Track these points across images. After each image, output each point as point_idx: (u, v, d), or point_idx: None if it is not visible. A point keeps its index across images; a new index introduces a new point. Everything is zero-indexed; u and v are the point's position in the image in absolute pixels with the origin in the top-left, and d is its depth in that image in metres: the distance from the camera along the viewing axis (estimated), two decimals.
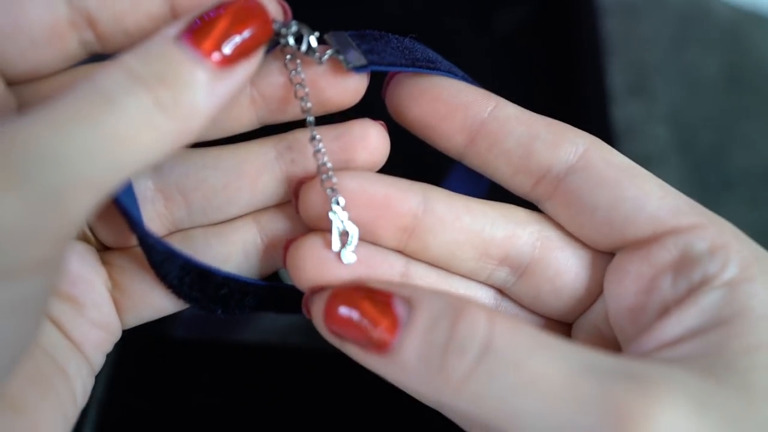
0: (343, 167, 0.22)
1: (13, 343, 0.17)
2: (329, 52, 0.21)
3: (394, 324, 0.18)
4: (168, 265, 0.21)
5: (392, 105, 0.23)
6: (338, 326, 0.19)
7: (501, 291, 0.23)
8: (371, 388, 0.33)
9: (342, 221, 0.21)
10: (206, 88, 0.18)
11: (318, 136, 0.21)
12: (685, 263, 0.19)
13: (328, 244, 0.21)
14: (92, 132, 0.16)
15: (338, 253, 0.21)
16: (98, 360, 0.22)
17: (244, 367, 0.33)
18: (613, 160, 0.21)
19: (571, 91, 0.45)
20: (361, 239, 0.21)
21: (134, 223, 0.20)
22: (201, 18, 0.18)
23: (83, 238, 0.23)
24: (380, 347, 0.18)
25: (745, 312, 0.18)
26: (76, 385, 0.21)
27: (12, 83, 0.20)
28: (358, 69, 0.21)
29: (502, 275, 0.22)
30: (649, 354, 0.19)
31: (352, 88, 0.22)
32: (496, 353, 0.17)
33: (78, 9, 0.19)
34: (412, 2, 0.47)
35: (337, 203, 0.21)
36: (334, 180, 0.21)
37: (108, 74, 0.17)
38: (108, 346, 0.22)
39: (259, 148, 0.23)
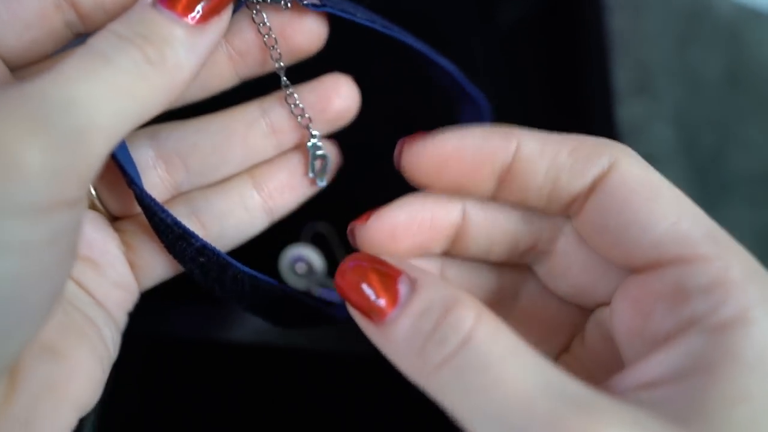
0: (321, 115, 0.26)
1: (52, 275, 0.18)
2: None
3: (394, 300, 0.20)
4: (161, 224, 0.23)
5: (416, 177, 0.23)
6: (347, 286, 0.21)
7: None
8: (370, 389, 0.33)
9: (319, 148, 0.25)
10: (186, 44, 0.20)
11: (288, 83, 0.25)
12: (678, 298, 0.18)
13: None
14: (95, 83, 0.18)
15: (313, 179, 0.25)
16: (121, 318, 0.24)
17: (244, 367, 0.33)
18: (634, 178, 0.20)
19: (574, 89, 0.45)
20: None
21: (133, 183, 0.22)
22: None
23: (93, 207, 0.25)
24: (376, 317, 0.20)
25: (733, 359, 0.17)
26: (107, 336, 0.23)
27: (14, 68, 0.22)
28: (314, 7, 0.23)
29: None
30: (626, 393, 0.18)
31: (315, 29, 0.25)
32: (471, 351, 0.18)
33: None
34: None
35: (313, 136, 0.25)
36: (307, 115, 0.25)
37: (100, 37, 0.19)
38: (128, 305, 0.24)
39: (244, 109, 0.26)
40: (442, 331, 0.18)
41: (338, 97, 0.26)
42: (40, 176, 0.17)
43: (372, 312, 0.20)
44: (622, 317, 0.20)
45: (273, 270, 0.31)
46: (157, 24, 0.20)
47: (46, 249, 0.17)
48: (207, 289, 0.25)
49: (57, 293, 0.19)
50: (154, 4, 0.20)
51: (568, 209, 0.22)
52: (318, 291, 0.35)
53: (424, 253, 0.24)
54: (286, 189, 0.26)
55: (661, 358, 0.18)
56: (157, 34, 0.20)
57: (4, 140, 0.16)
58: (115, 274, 0.24)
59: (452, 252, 0.24)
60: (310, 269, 0.34)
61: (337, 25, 0.25)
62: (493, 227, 0.23)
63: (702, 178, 0.40)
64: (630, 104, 0.41)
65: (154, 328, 0.27)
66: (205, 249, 0.23)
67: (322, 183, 0.24)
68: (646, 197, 0.20)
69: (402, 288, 0.20)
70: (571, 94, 0.44)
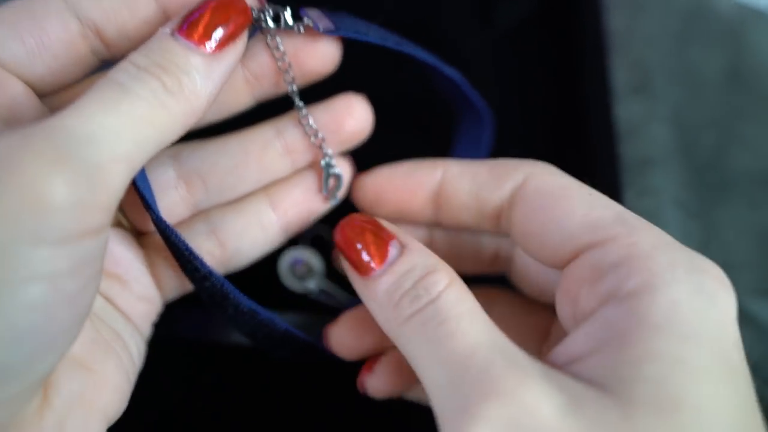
0: (334, 136, 0.27)
1: (79, 300, 0.19)
2: (306, 20, 0.24)
3: (382, 259, 0.22)
4: (174, 247, 0.24)
5: (363, 206, 0.27)
6: (343, 240, 0.23)
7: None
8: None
9: (332, 166, 0.25)
10: (203, 72, 0.21)
11: (302, 104, 0.26)
12: (594, 278, 0.20)
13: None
14: (115, 115, 0.19)
15: (327, 196, 0.26)
16: (146, 329, 0.26)
17: (246, 370, 0.33)
18: (546, 184, 0.23)
19: (573, 88, 0.45)
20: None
21: (150, 208, 0.23)
22: (190, 14, 0.22)
23: (119, 224, 0.26)
24: (364, 272, 0.23)
25: (640, 324, 0.18)
26: (132, 349, 0.24)
27: (43, 95, 0.23)
28: (328, 32, 0.24)
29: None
30: (563, 364, 0.20)
31: (328, 53, 0.25)
32: (436, 307, 0.21)
33: (86, 22, 0.23)
34: None
35: (326, 155, 0.26)
36: (321, 135, 0.26)
37: (119, 68, 0.20)
38: (153, 316, 0.26)
39: (260, 130, 0.27)
40: (417, 290, 0.21)
41: (351, 118, 0.27)
42: (65, 209, 0.18)
43: (361, 266, 0.23)
44: (561, 309, 0.22)
45: (272, 272, 0.31)
46: (175, 53, 0.21)
47: (73, 276, 0.18)
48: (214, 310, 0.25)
49: (85, 314, 0.20)
50: (172, 33, 0.21)
51: (498, 224, 0.24)
52: (316, 294, 0.34)
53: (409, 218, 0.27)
54: (301, 206, 0.27)
55: (582, 332, 0.20)
56: (175, 63, 0.21)
57: (30, 175, 0.17)
58: (140, 288, 0.25)
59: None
60: (310, 271, 0.34)
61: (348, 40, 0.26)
62: (455, 243, 0.27)
63: (701, 178, 0.39)
64: (628, 104, 0.41)
65: (157, 329, 0.27)
66: (210, 276, 0.23)
67: (335, 201, 0.25)
68: (558, 197, 0.22)
69: (392, 250, 0.23)
70: (569, 95, 0.44)
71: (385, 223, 0.24)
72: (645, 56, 0.42)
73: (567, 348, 0.20)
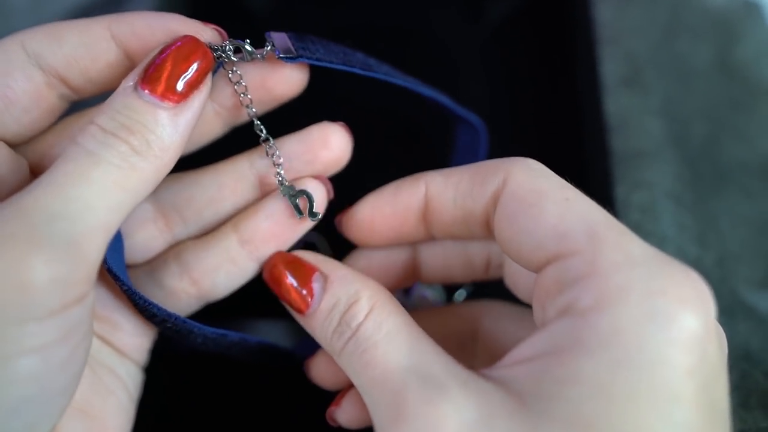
0: (309, 166, 0.26)
1: (72, 362, 0.20)
2: (267, 48, 0.24)
3: (309, 295, 0.23)
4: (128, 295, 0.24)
5: (358, 241, 0.27)
6: (271, 281, 0.25)
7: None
8: None
9: (291, 189, 0.25)
10: (170, 125, 0.21)
11: (265, 135, 0.26)
12: (557, 290, 0.20)
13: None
14: (87, 186, 0.19)
15: (304, 217, 0.25)
16: (143, 358, 0.26)
17: (248, 375, 0.33)
18: (521, 189, 0.22)
19: (563, 82, 0.44)
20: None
21: (105, 263, 0.23)
22: (151, 63, 0.21)
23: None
24: (298, 310, 0.24)
25: (576, 344, 0.18)
26: (129, 384, 0.25)
27: (16, 146, 0.24)
28: (288, 59, 0.24)
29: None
30: (498, 369, 0.20)
31: (293, 77, 0.25)
32: (356, 340, 0.22)
33: (50, 72, 0.23)
34: None
35: (280, 182, 0.25)
36: (278, 162, 0.26)
37: (87, 135, 0.20)
38: (148, 345, 0.26)
39: (234, 162, 0.27)
40: (341, 326, 0.22)
41: (326, 149, 0.26)
42: (47, 287, 0.18)
43: (293, 305, 0.24)
44: (535, 313, 0.22)
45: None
46: (140, 112, 0.21)
47: (63, 343, 0.19)
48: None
49: (80, 372, 0.21)
50: (135, 88, 0.21)
51: (487, 231, 0.24)
52: None
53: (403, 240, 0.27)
54: (272, 241, 0.26)
55: (532, 339, 0.20)
56: (140, 122, 0.21)
57: (9, 259, 0.18)
58: (131, 326, 0.26)
59: (422, 276, 0.28)
60: None
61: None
62: (445, 255, 0.27)
63: (694, 169, 0.39)
64: (618, 96, 0.41)
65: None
66: (168, 318, 0.24)
67: (316, 217, 0.25)
68: (530, 204, 0.21)
69: (315, 286, 0.23)
70: (559, 87, 0.44)
71: (305, 255, 0.24)
72: (634, 48, 0.42)
73: (517, 350, 0.20)
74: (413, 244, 0.28)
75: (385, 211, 0.25)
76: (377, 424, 0.21)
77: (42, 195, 0.19)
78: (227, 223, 0.27)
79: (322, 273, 0.24)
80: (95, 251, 0.20)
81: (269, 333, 0.35)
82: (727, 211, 0.38)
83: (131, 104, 0.21)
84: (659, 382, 0.17)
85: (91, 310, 0.20)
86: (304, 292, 0.23)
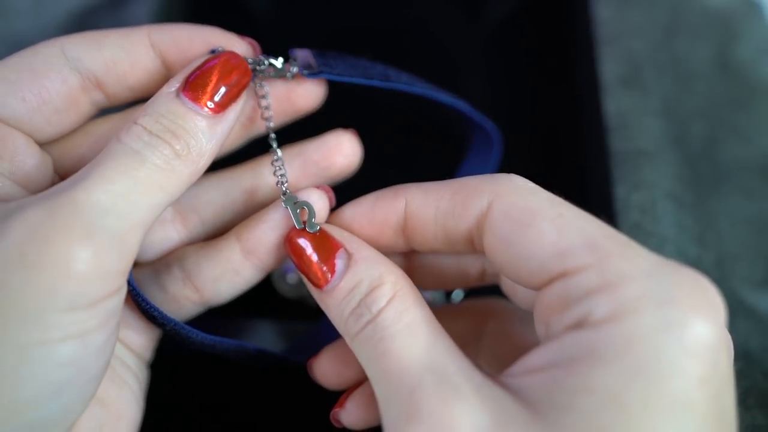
0: (325, 172, 0.28)
1: (106, 349, 0.21)
2: (293, 68, 0.26)
3: (331, 271, 0.23)
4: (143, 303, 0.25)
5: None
6: (292, 252, 0.24)
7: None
8: None
9: (294, 199, 0.25)
10: (208, 133, 0.22)
11: (279, 152, 0.27)
12: (563, 307, 0.20)
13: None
14: (133, 184, 0.21)
15: (303, 228, 0.25)
16: (148, 356, 0.27)
17: (248, 374, 0.33)
18: (512, 210, 0.21)
19: (563, 82, 0.44)
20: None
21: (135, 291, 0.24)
22: (193, 73, 0.23)
23: None
24: (316, 283, 0.23)
25: (589, 355, 0.18)
26: (140, 377, 0.26)
27: (43, 144, 0.25)
28: (311, 75, 0.26)
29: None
30: (510, 377, 0.20)
31: (314, 92, 0.27)
32: (375, 326, 0.21)
33: (88, 76, 0.24)
34: None
35: (283, 193, 0.25)
36: (282, 173, 0.26)
37: (132, 134, 0.21)
38: (153, 344, 0.27)
39: (253, 166, 0.28)
40: (361, 308, 0.22)
41: (340, 155, 0.28)
42: (94, 278, 0.19)
43: (312, 277, 0.23)
44: (537, 327, 0.22)
45: (265, 280, 0.30)
46: (182, 117, 0.22)
47: (101, 330, 0.20)
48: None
49: (109, 360, 0.22)
50: (177, 95, 0.22)
51: (472, 246, 0.24)
52: (311, 300, 0.34)
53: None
54: (274, 249, 0.26)
55: (543, 348, 0.20)
56: (183, 127, 0.22)
57: (62, 251, 0.19)
58: (138, 324, 0.26)
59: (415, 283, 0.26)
60: (301, 279, 0.34)
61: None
62: (439, 263, 0.27)
63: (694, 169, 0.39)
64: (618, 96, 0.41)
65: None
66: (167, 323, 0.25)
67: (314, 229, 0.24)
68: (524, 224, 0.21)
69: (338, 262, 0.23)
70: (559, 87, 0.44)
71: (333, 230, 0.24)
72: (634, 48, 0.42)
73: (527, 359, 0.20)
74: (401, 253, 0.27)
75: (362, 223, 0.25)
76: (387, 418, 0.20)
77: (94, 189, 0.20)
78: (230, 231, 0.27)
79: (346, 250, 0.23)
80: (135, 245, 0.21)
81: (264, 333, 0.35)
82: (726, 211, 0.38)
83: (175, 110, 0.22)
84: (672, 391, 0.18)
85: (123, 301, 0.21)
86: (325, 268, 0.23)
